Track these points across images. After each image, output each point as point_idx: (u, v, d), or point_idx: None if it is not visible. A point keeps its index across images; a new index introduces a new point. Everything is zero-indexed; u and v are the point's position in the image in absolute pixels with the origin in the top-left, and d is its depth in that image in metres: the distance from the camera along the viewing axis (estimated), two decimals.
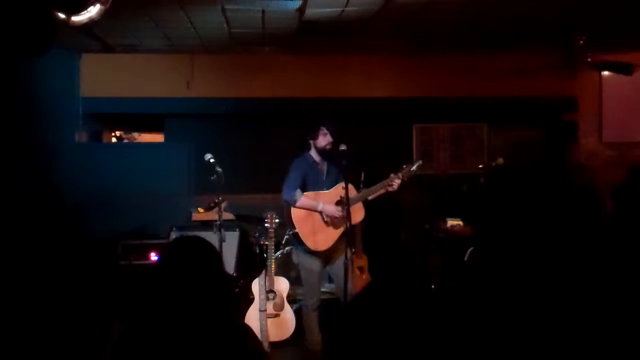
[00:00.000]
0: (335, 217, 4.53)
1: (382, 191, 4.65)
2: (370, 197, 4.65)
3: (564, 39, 6.19)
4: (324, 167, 4.69)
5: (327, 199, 4.57)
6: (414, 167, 4.73)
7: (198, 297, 1.94)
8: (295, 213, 4.60)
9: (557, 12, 5.22)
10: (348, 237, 4.45)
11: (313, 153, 4.66)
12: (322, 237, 4.60)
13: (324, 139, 4.57)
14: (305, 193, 4.59)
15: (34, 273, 4.92)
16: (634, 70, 6.77)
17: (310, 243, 4.61)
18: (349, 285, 4.35)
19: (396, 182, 4.58)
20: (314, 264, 4.64)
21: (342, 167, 4.48)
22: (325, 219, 4.58)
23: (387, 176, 4.65)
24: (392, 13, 5.17)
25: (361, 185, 4.96)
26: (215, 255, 2.08)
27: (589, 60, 6.50)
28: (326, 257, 4.64)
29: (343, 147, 4.53)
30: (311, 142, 4.64)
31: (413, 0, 4.84)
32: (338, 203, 4.53)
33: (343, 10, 5.09)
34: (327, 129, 4.57)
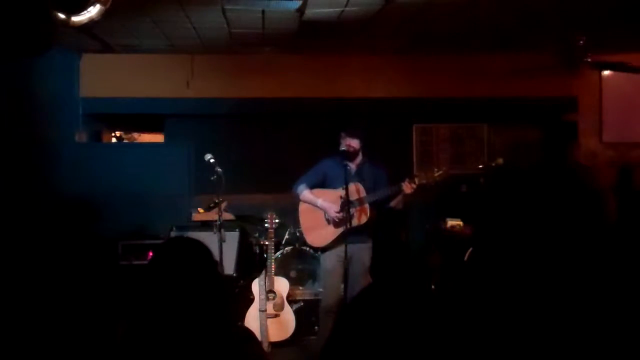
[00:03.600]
0: (333, 216, 4.56)
1: (394, 197, 4.64)
2: (377, 199, 4.62)
3: (564, 39, 6.18)
4: (358, 168, 4.74)
5: (331, 198, 4.60)
6: (437, 173, 4.64)
7: (188, 299, 1.87)
8: (301, 207, 4.80)
9: (557, 12, 5.22)
10: (346, 238, 4.47)
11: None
12: (319, 234, 4.67)
13: (343, 143, 4.68)
14: (315, 190, 4.70)
15: (35, 273, 4.92)
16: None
17: (308, 238, 4.76)
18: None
19: (407, 187, 4.53)
20: (331, 264, 4.66)
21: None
22: (327, 217, 4.64)
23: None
24: (392, 13, 5.17)
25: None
26: (208, 257, 2.00)
27: (589, 60, 6.48)
28: (344, 258, 4.57)
29: (342, 148, 4.62)
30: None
31: (413, 0, 4.84)
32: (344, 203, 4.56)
33: (343, 11, 5.09)
34: (346, 134, 4.68)
